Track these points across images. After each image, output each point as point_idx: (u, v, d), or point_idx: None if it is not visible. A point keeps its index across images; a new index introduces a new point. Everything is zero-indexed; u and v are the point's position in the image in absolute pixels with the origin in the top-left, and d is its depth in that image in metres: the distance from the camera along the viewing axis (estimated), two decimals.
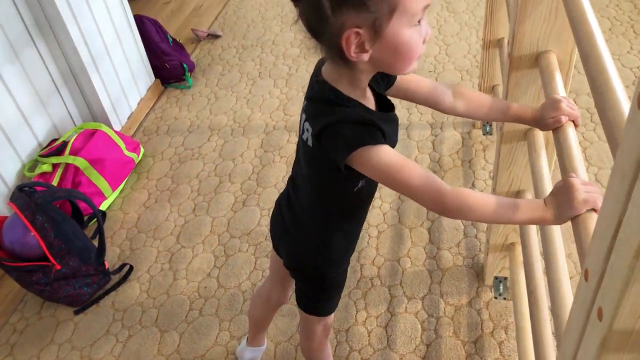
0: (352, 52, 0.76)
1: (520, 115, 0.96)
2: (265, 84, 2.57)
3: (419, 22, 0.76)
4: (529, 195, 1.26)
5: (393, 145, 0.84)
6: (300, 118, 0.91)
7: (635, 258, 0.33)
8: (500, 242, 1.42)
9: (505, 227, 1.39)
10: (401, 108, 2.25)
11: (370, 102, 0.88)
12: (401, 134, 2.09)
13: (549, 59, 1.03)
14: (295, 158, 1.02)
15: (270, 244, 1.79)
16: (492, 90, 1.91)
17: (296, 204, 1.02)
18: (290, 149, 2.18)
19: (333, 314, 1.18)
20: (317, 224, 1.00)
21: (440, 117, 2.17)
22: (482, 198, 0.78)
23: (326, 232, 1.01)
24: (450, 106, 0.98)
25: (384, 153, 0.79)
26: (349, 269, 1.14)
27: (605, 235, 0.38)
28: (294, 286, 1.18)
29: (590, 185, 0.71)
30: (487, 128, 2.04)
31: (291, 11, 3.08)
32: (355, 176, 0.86)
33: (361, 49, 0.76)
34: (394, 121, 0.91)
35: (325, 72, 0.85)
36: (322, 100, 0.84)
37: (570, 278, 1.26)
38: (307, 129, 0.86)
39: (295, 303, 1.17)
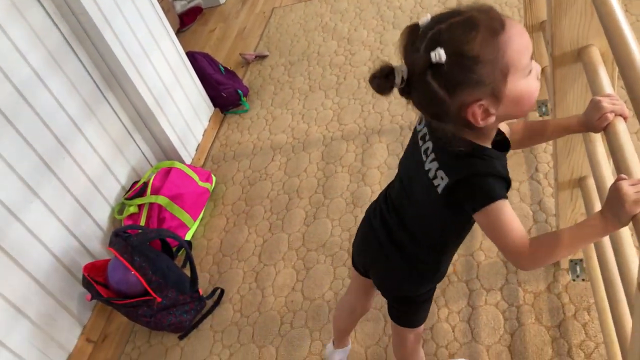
0: (479, 121, 0.82)
1: (568, 126, 1.01)
2: (316, 96, 2.67)
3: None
4: (592, 181, 1.28)
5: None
6: (422, 150, 0.94)
7: None
8: None
9: (572, 212, 1.41)
10: None
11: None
12: None
13: (591, 53, 1.06)
14: (398, 182, 1.05)
15: (345, 253, 1.89)
16: (542, 72, 1.91)
17: (397, 230, 1.06)
18: (349, 158, 2.26)
19: (424, 323, 1.26)
20: (421, 254, 1.06)
21: None
22: (548, 242, 0.85)
23: (428, 263, 1.08)
24: (513, 143, 1.01)
25: (505, 209, 0.85)
26: None
27: None
28: (376, 293, 1.27)
29: None
30: (543, 109, 2.05)
31: (331, 19, 3.16)
32: (472, 219, 0.92)
33: (486, 114, 0.82)
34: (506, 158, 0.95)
35: None
36: (456, 151, 0.87)
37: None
38: (440, 177, 0.89)
39: (379, 308, 1.26)
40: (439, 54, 0.77)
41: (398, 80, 0.82)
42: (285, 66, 2.97)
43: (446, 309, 1.62)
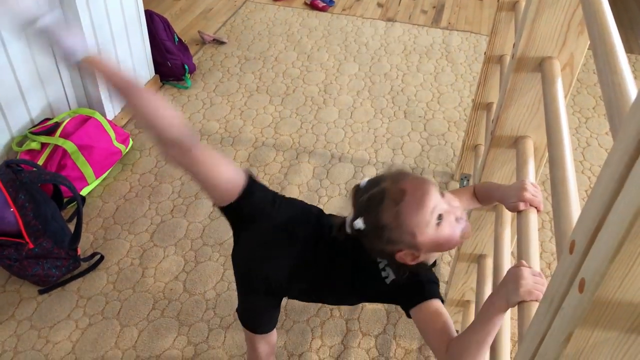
0: (409, 262, 0.97)
1: (489, 197, 1.07)
2: (261, 98, 2.64)
3: (439, 218, 0.93)
4: (490, 261, 1.35)
5: None
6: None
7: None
8: (457, 297, 1.51)
9: (463, 284, 1.48)
10: (387, 148, 2.35)
11: None
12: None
13: (526, 144, 1.12)
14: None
15: None
16: (474, 148, 2.01)
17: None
18: (274, 168, 2.25)
19: (275, 333, 1.29)
20: None
21: (422, 163, 2.27)
22: (472, 342, 0.86)
23: None
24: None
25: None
26: None
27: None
28: None
29: (538, 277, 0.79)
30: (465, 182, 2.15)
31: (298, 32, 3.16)
32: None
33: (413, 257, 0.97)
34: None
35: None
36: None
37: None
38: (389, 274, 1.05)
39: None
40: (359, 224, 0.97)
41: (349, 230, 1.00)
42: (240, 59, 2.92)
43: (320, 340, 1.62)
